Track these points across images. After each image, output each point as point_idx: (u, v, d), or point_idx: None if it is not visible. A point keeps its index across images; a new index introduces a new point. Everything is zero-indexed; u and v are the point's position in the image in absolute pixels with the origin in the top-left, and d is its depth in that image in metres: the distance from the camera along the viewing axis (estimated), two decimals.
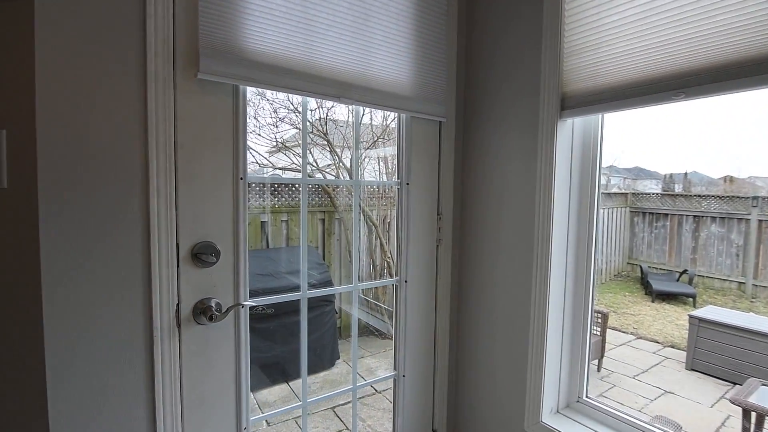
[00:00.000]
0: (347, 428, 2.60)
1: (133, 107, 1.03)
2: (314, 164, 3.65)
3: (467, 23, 1.63)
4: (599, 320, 3.65)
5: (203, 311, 1.14)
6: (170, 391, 1.12)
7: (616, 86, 1.16)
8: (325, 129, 3.53)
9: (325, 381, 3.16)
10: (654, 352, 4.19)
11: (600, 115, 1.36)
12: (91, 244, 0.99)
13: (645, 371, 3.82)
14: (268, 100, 3.45)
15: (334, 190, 3.76)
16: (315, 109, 3.52)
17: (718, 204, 5.71)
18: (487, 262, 1.58)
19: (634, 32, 1.11)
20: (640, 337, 4.52)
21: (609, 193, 6.71)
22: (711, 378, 3.60)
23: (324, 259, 3.73)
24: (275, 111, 3.52)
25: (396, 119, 1.60)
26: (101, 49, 0.98)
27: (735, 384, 3.44)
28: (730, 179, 6.64)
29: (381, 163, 3.89)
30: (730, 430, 2.97)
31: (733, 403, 2.52)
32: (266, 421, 2.50)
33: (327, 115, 3.54)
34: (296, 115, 3.31)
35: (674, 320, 4.90)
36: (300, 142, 3.56)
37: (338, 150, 3.58)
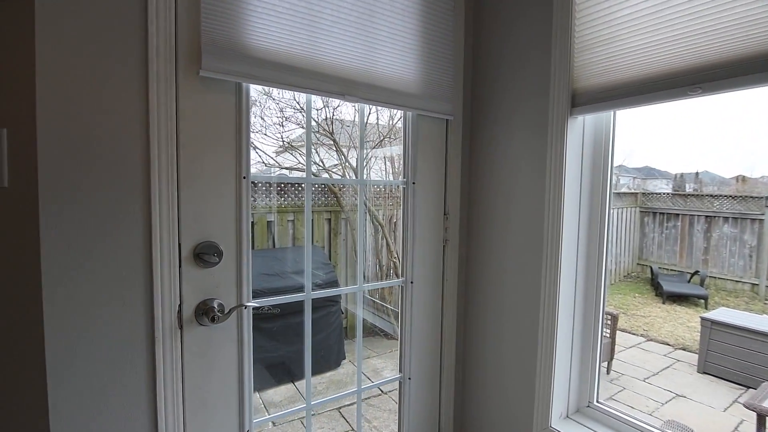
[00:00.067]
0: (353, 429, 2.58)
1: (134, 105, 1.01)
2: (321, 164, 3.64)
3: (474, 19, 1.60)
4: (609, 322, 3.59)
5: (205, 312, 1.12)
6: (172, 392, 1.10)
7: (629, 82, 1.13)
8: (331, 128, 3.52)
9: (331, 381, 3.15)
10: (665, 355, 4.12)
11: (612, 112, 1.32)
12: (91, 244, 0.98)
13: (656, 374, 3.75)
14: (274, 99, 3.45)
15: (340, 190, 3.75)
16: (321, 109, 3.51)
17: (731, 204, 5.61)
18: (495, 262, 1.55)
19: (649, 26, 1.07)
20: (651, 339, 4.45)
21: (618, 193, 6.62)
22: (723, 381, 3.53)
23: (330, 259, 3.72)
24: (281, 110, 3.52)
25: (402, 118, 1.57)
26: (102, 46, 0.97)
27: (749, 388, 3.37)
28: (742, 179, 6.53)
29: (388, 163, 3.87)
30: None
31: (747, 407, 2.46)
32: (272, 422, 2.48)
33: (333, 115, 3.54)
34: (302, 115, 3.31)
35: (685, 322, 4.82)
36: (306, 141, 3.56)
37: (344, 150, 3.57)
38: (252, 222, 3.32)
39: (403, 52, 1.40)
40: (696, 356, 3.82)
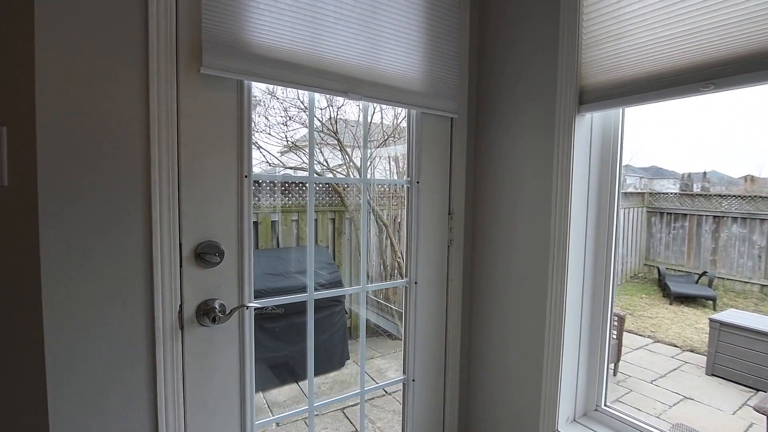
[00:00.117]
0: (357, 430, 2.57)
1: (134, 103, 1.00)
2: (325, 164, 3.64)
3: (480, 15, 1.58)
4: (615, 323, 3.55)
5: (207, 312, 1.11)
6: (173, 393, 1.09)
7: (638, 78, 1.10)
8: (335, 128, 3.51)
9: (334, 381, 3.14)
10: (672, 357, 4.07)
11: (621, 110, 1.29)
12: (91, 244, 0.97)
13: (663, 376, 3.71)
14: (278, 99, 3.45)
15: (344, 190, 3.74)
16: (325, 108, 3.50)
17: (739, 204, 5.54)
18: (501, 263, 1.53)
19: (659, 21, 1.04)
20: (658, 341, 4.40)
21: (625, 193, 6.57)
22: (732, 384, 3.49)
23: (334, 259, 3.71)
24: (285, 110, 3.51)
25: (406, 117, 1.56)
26: (102, 43, 0.96)
27: (758, 390, 3.32)
28: (751, 179, 6.46)
29: (392, 163, 3.86)
30: None
31: (757, 410, 2.42)
32: (276, 423, 2.47)
33: (337, 115, 3.53)
34: (306, 114, 3.30)
35: (693, 323, 4.77)
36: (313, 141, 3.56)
37: (349, 150, 3.56)
38: (256, 222, 3.34)
39: (407, 50, 1.38)
40: (704, 358, 3.77)
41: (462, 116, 1.58)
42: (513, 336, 1.48)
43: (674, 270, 6.08)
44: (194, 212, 1.10)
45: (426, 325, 1.60)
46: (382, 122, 3.73)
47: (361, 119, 1.48)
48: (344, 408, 2.78)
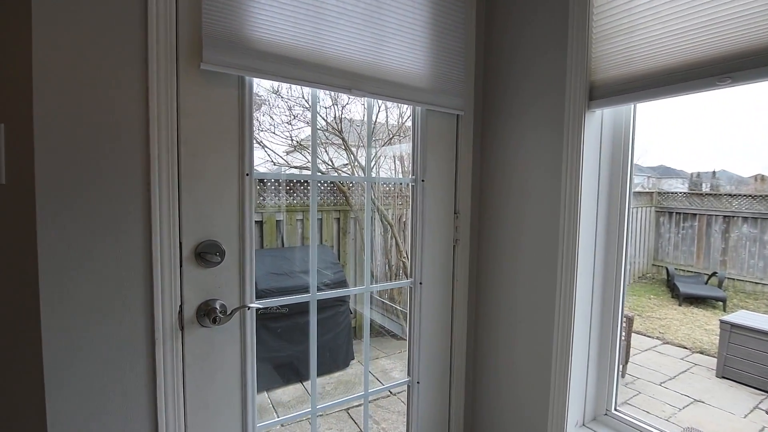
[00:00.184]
0: (361, 431, 2.54)
1: (133, 99, 0.98)
2: (330, 163, 3.62)
3: (486, 9, 1.55)
4: (624, 324, 3.50)
5: (207, 313, 1.09)
6: (173, 395, 1.07)
7: (651, 73, 1.06)
8: (339, 127, 3.49)
9: (339, 382, 3.12)
10: (682, 358, 4.01)
11: (632, 106, 1.26)
12: (90, 243, 0.95)
13: (672, 378, 3.65)
14: (282, 98, 3.43)
15: (349, 189, 3.72)
16: (330, 107, 3.48)
17: (750, 203, 5.45)
18: (507, 263, 1.49)
19: (673, 13, 1.01)
20: (667, 342, 4.34)
21: (633, 192, 6.47)
22: (743, 386, 3.43)
23: (339, 259, 3.69)
24: (290, 109, 3.50)
25: (411, 115, 1.53)
26: (100, 39, 0.94)
27: None
28: (761, 178, 6.36)
29: (397, 162, 3.84)
30: None
31: None
32: (281, 424, 2.46)
33: (342, 114, 3.51)
34: (311, 112, 3.29)
35: (703, 325, 4.69)
36: (318, 141, 3.55)
37: (354, 149, 3.54)
38: (261, 221, 3.33)
39: (411, 45, 1.35)
40: (714, 360, 3.71)
41: (468, 113, 1.55)
42: (520, 338, 1.45)
43: (683, 270, 6.00)
44: (194, 211, 1.08)
45: (431, 327, 1.57)
46: (387, 121, 3.71)
47: (365, 118, 1.45)
48: (349, 408, 2.75)
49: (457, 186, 1.58)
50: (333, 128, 3.51)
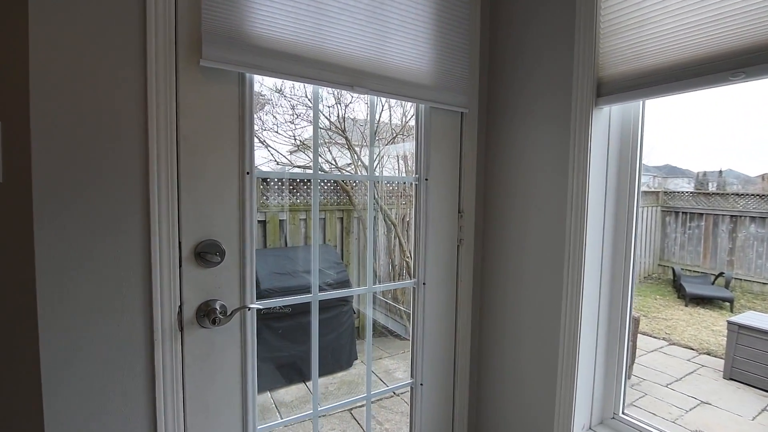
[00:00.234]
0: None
1: (132, 98, 0.97)
2: (333, 162, 3.61)
3: (491, 4, 1.52)
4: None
5: (207, 314, 1.07)
6: (172, 397, 1.06)
7: (662, 68, 1.04)
8: (343, 126, 3.48)
9: (342, 382, 3.10)
10: (688, 360, 3.96)
11: (641, 102, 1.23)
12: (89, 243, 0.94)
13: (679, 379, 3.61)
14: (286, 97, 3.42)
15: (352, 189, 3.71)
16: (333, 106, 3.47)
17: (758, 203, 5.39)
18: (513, 263, 1.47)
19: (685, 6, 0.98)
20: (673, 343, 4.29)
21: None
22: (751, 388, 3.38)
23: (342, 259, 3.68)
24: (293, 108, 3.48)
25: (414, 113, 1.50)
26: (99, 36, 0.92)
27: None
28: None
29: (401, 162, 3.82)
30: None
31: None
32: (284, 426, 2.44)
33: (345, 113, 3.50)
34: (318, 113, 3.28)
35: (710, 326, 4.64)
36: (321, 140, 3.54)
37: (357, 149, 3.54)
38: (264, 221, 3.32)
39: (414, 41, 1.33)
40: (722, 361, 3.67)
41: (472, 111, 1.52)
42: (526, 339, 1.42)
43: (689, 271, 5.94)
44: (194, 210, 1.06)
45: (435, 328, 1.55)
46: (390, 120, 3.69)
47: (368, 117, 1.43)
48: (352, 409, 2.74)
49: (462, 185, 1.56)
50: (336, 127, 3.50)
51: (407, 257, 3.60)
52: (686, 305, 5.20)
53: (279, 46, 1.10)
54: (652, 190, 6.77)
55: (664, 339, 4.40)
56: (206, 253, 1.07)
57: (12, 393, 0.97)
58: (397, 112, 3.69)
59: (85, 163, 0.93)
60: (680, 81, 1.00)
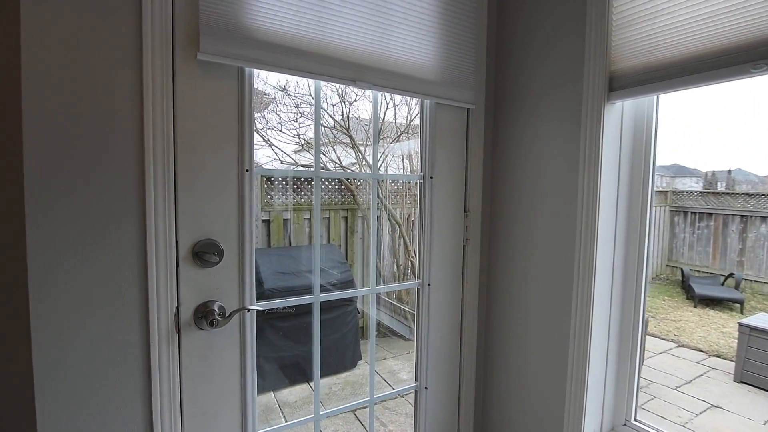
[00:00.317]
0: None
1: (127, 92, 0.94)
2: (338, 161, 3.59)
3: (499, 0, 1.48)
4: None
5: (205, 315, 1.04)
6: (169, 400, 1.03)
7: (678, 60, 0.99)
8: (347, 125, 3.45)
9: (346, 382, 3.08)
10: (698, 362, 3.89)
11: (655, 97, 1.18)
12: (82, 241, 0.91)
13: (688, 382, 3.54)
14: (290, 95, 3.39)
15: (356, 188, 3.68)
16: (337, 104, 3.44)
17: None
18: (520, 263, 1.43)
19: None
20: (682, 345, 4.22)
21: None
22: (763, 392, 3.32)
23: (346, 258, 3.65)
24: (297, 106, 3.46)
25: (419, 110, 1.47)
26: (92, 29, 0.90)
27: None
28: None
29: (405, 161, 3.79)
30: None
31: None
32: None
33: (349, 111, 3.47)
34: (320, 110, 3.26)
35: (719, 327, 4.56)
36: (326, 140, 3.51)
37: (361, 147, 3.51)
38: (268, 220, 3.30)
39: (419, 35, 1.29)
40: (732, 364, 3.60)
41: (479, 107, 1.48)
42: (534, 342, 1.38)
43: (698, 271, 5.86)
44: (192, 209, 1.03)
45: (440, 330, 1.51)
46: (395, 119, 3.66)
47: (372, 114, 1.39)
48: (356, 410, 2.71)
49: (468, 183, 1.52)
50: (341, 126, 3.47)
51: (412, 257, 3.56)
52: (695, 306, 5.13)
53: (279, 39, 1.06)
54: (661, 189, 6.69)
55: (672, 341, 4.34)
56: (204, 253, 1.04)
57: (4, 393, 0.94)
58: (402, 110, 3.66)
59: (79, 160, 0.90)
60: (697, 74, 0.95)
